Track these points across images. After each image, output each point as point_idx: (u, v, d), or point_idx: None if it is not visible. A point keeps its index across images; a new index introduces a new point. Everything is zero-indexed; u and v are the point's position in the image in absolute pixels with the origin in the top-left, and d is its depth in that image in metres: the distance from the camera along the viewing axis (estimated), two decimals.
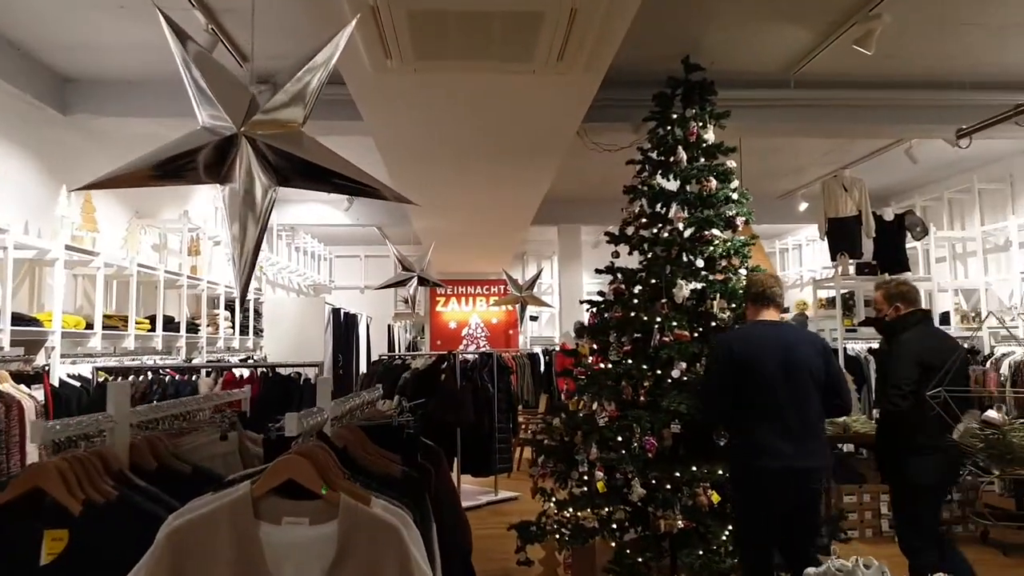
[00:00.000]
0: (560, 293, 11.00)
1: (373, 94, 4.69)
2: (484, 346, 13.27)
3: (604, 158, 6.88)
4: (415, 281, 8.98)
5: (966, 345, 7.75)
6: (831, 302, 8.17)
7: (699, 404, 4.00)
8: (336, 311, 9.56)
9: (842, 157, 7.93)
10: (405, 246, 10.16)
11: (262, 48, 4.72)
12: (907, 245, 7.85)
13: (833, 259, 7.49)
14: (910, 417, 3.66)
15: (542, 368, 11.69)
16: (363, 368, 10.26)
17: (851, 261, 7.43)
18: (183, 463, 1.93)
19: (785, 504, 3.46)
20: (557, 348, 10.93)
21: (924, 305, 8.39)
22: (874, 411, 6.70)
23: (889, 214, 7.83)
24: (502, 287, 13.35)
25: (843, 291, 7.63)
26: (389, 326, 13.77)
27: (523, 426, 9.15)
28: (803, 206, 9.50)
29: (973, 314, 8.21)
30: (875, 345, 7.22)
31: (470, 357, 7.60)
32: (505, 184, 6.99)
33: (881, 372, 3.98)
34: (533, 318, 13.43)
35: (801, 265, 11.87)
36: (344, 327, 9.84)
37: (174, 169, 2.23)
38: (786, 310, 8.38)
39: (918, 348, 3.75)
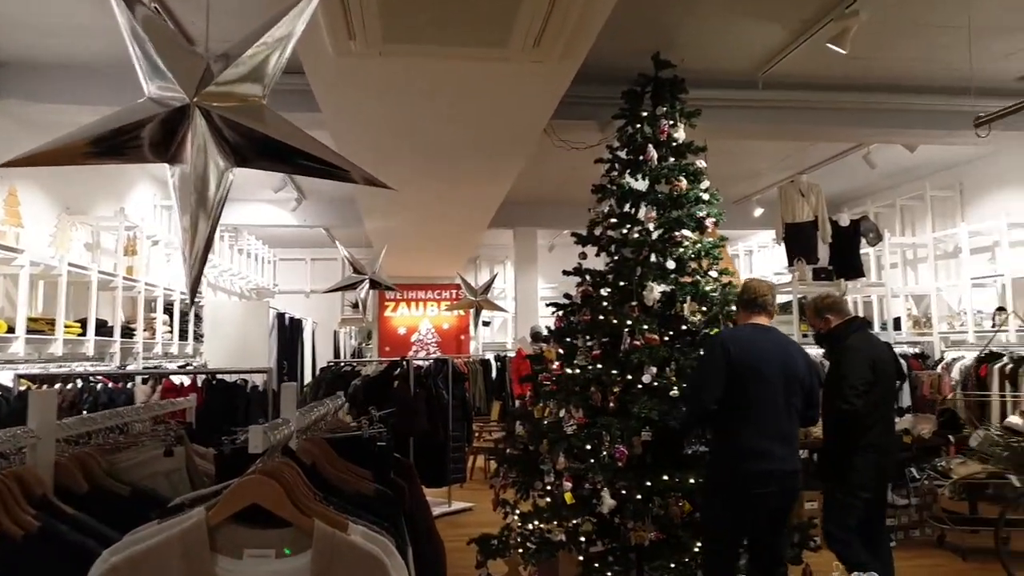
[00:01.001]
0: (516, 297, 10.82)
1: (333, 80, 4.43)
2: (435, 352, 13.01)
3: (564, 160, 6.73)
4: (366, 284, 8.71)
5: (917, 350, 7.93)
6: (787, 307, 8.18)
7: (688, 400, 3.95)
8: (281, 316, 9.37)
9: (800, 162, 7.97)
10: (356, 248, 9.87)
11: (215, 32, 4.41)
12: (861, 251, 7.92)
13: (790, 264, 7.49)
14: (864, 417, 3.82)
15: (494, 374, 11.55)
16: (308, 375, 9.99)
17: (808, 266, 7.43)
18: (120, 484, 1.68)
19: (769, 507, 3.44)
20: (511, 353, 10.77)
21: (865, 312, 8.54)
22: None
23: (844, 220, 7.89)
24: (455, 291, 13.14)
25: (800, 296, 7.63)
26: (335, 332, 13.43)
27: (477, 434, 8.93)
28: (758, 211, 9.55)
29: (924, 319, 8.33)
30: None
31: (424, 363, 7.36)
32: (467, 182, 6.79)
33: (831, 377, 4.05)
34: (486, 323, 13.25)
35: (752, 271, 11.95)
36: (289, 332, 9.64)
37: (115, 145, 1.94)
38: None
39: (868, 350, 3.99)
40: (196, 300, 8.66)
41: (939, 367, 7.40)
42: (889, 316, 8.42)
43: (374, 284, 8.57)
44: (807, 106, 5.84)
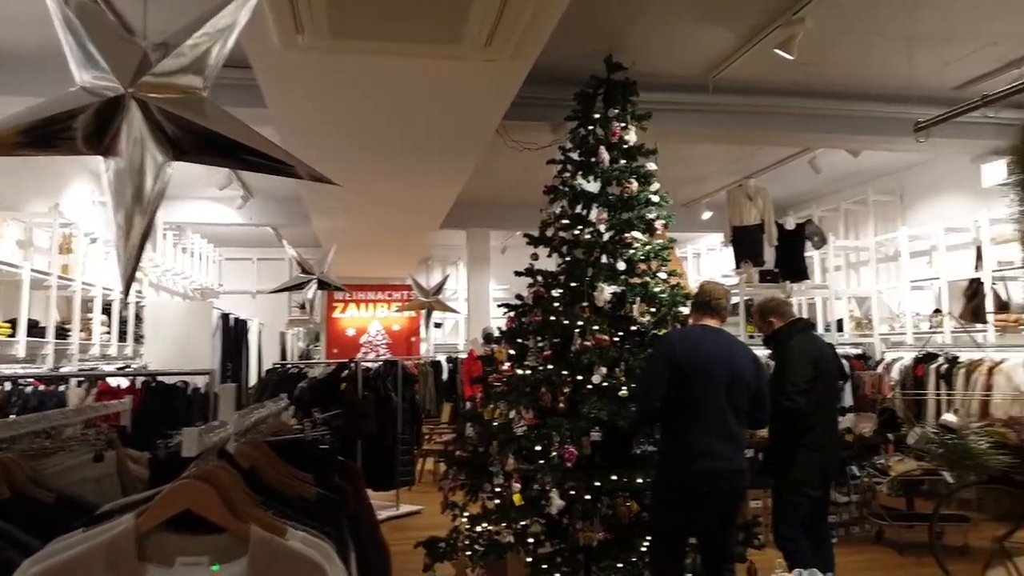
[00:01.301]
0: (468, 299, 10.77)
1: (279, 74, 4.33)
2: (384, 354, 12.88)
3: (516, 161, 6.72)
4: (314, 285, 8.56)
5: (859, 350, 8.15)
6: (734, 309, 8.32)
7: (636, 399, 3.98)
8: (225, 316, 9.21)
9: (748, 166, 8.12)
10: (304, 248, 9.71)
11: (156, 23, 4.27)
12: (806, 254, 8.10)
13: (737, 266, 7.62)
14: (806, 415, 3.90)
15: (445, 376, 11.48)
16: (253, 377, 9.79)
17: (755, 269, 7.57)
18: (45, 490, 1.62)
19: (716, 506, 3.49)
20: (463, 355, 10.71)
21: (810, 314, 8.74)
22: None
23: (790, 223, 8.07)
24: (406, 292, 13.02)
25: (746, 298, 7.78)
26: (282, 333, 13.22)
27: (426, 437, 8.86)
28: (706, 215, 9.69)
29: (865, 320, 8.56)
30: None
31: (373, 365, 7.27)
32: (419, 182, 6.72)
33: (775, 377, 4.13)
34: (437, 325, 13.17)
35: (700, 273, 12.12)
36: (234, 334, 9.45)
37: (46, 135, 1.85)
38: None
39: (811, 350, 4.07)
40: (138, 301, 8.41)
41: (879, 367, 7.61)
42: (833, 318, 8.64)
43: (322, 285, 8.42)
44: (755, 111, 5.95)
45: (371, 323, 13.67)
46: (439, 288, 11.04)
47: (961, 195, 7.64)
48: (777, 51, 4.61)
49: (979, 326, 6.72)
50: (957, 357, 6.70)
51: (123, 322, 8.04)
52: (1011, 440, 4.29)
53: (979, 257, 6.98)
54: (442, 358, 11.84)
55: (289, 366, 7.36)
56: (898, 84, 5.75)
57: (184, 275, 10.90)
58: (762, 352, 5.45)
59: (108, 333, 7.68)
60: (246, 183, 8.97)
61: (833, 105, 5.99)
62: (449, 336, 13.84)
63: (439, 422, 10.03)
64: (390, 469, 6.94)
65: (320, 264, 8.51)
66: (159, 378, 4.80)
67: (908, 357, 7.33)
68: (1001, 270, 6.65)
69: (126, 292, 1.98)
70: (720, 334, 3.64)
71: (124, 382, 4.95)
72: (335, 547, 1.46)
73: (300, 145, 5.67)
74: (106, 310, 7.66)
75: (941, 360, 6.76)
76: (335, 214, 8.33)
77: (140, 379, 4.88)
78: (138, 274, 6.66)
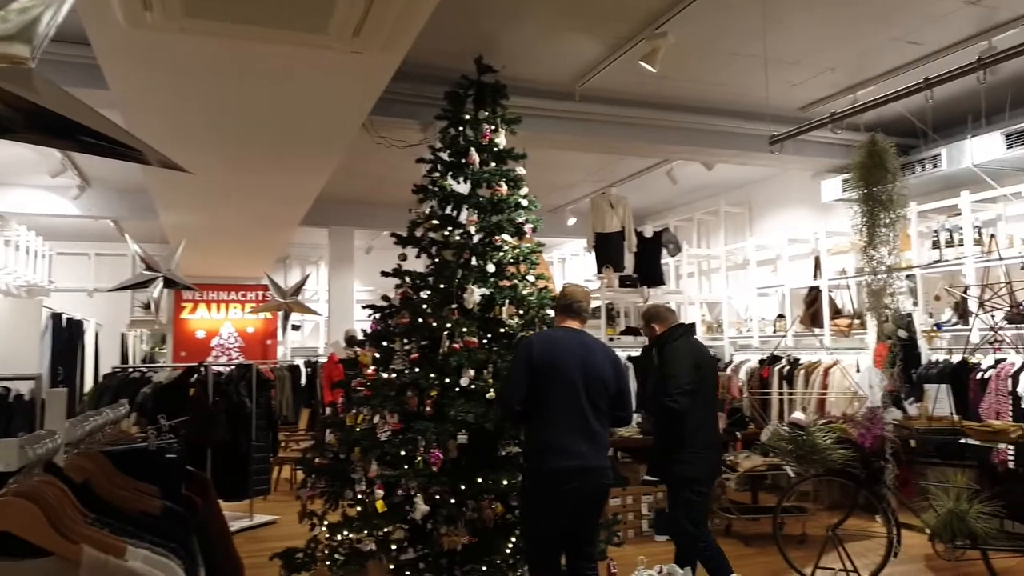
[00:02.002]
0: (329, 300, 10.45)
1: (124, 54, 3.97)
2: (237, 357, 12.26)
3: (383, 158, 6.58)
4: (160, 283, 8.00)
5: (712, 353, 8.59)
6: (595, 312, 8.55)
7: (499, 402, 3.99)
8: (57, 316, 8.61)
9: (610, 175, 8.38)
10: (149, 244, 9.04)
11: None
12: (662, 260, 8.46)
13: (599, 272, 7.83)
14: (692, 415, 4.01)
15: (304, 381, 11.08)
16: (90, 382, 9.10)
17: (615, 274, 7.81)
18: None
19: (577, 503, 3.52)
20: (323, 359, 10.38)
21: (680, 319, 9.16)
22: (635, 416, 7.08)
23: (648, 231, 8.40)
24: (261, 293, 12.46)
25: (607, 302, 8.01)
26: (123, 335, 12.37)
27: (283, 444, 8.50)
28: (571, 220, 9.93)
29: (716, 324, 9.04)
30: (634, 353, 7.66)
31: (224, 369, 6.90)
32: (278, 175, 6.40)
33: (657, 375, 4.24)
34: (295, 327, 12.69)
35: (565, 277, 12.40)
36: (67, 335, 8.85)
37: None
38: None
39: (693, 352, 4.23)
40: None
41: (728, 369, 8.06)
42: (687, 322, 9.05)
43: (169, 283, 7.90)
44: (618, 121, 6.15)
45: (223, 325, 12.99)
46: (298, 288, 10.66)
47: (803, 208, 8.25)
48: (641, 63, 4.76)
49: (817, 330, 7.26)
50: (798, 359, 7.20)
51: None
52: (851, 436, 4.64)
53: (817, 266, 7.55)
54: (300, 362, 11.44)
55: (131, 370, 6.88)
56: (751, 102, 6.11)
57: (7, 270, 9.87)
58: (621, 354, 5.65)
59: None
60: (83, 171, 8.25)
61: (691, 119, 6.29)
62: (308, 339, 13.38)
63: (297, 429, 9.69)
64: (243, 478, 6.67)
65: (167, 261, 7.99)
66: None
67: (754, 359, 7.80)
68: (836, 279, 7.22)
69: None
70: (579, 335, 3.70)
71: None
72: (183, 564, 1.38)
73: (146, 132, 5.25)
74: None
75: (784, 362, 7.25)
76: (185, 207, 7.81)
77: None
78: None
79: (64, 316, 8.74)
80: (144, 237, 9.60)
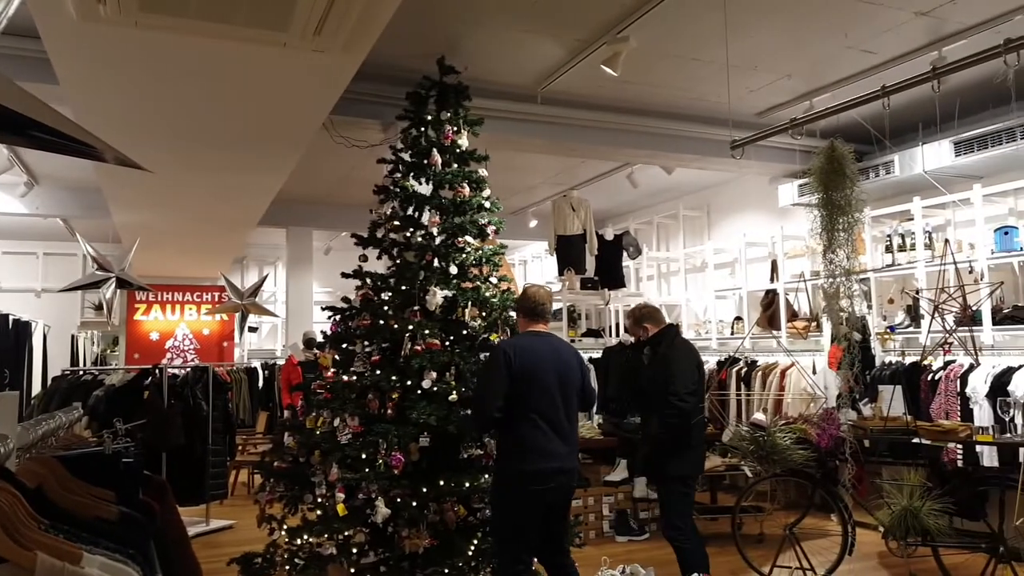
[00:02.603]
0: (287, 302, 10.30)
1: (76, 49, 3.85)
2: (193, 359, 12.03)
3: (343, 158, 6.52)
4: (113, 283, 7.83)
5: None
6: (557, 313, 8.58)
7: (473, 408, 3.95)
8: (3, 317, 8.49)
9: (572, 178, 8.42)
10: (101, 243, 8.82)
11: None
12: (623, 263, 8.52)
13: (561, 274, 7.87)
14: (692, 414, 4.11)
15: (261, 384, 10.93)
16: (37, 386, 8.87)
17: (577, 276, 7.86)
18: None
19: (554, 503, 3.63)
20: (281, 361, 10.23)
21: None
22: (596, 417, 7.12)
23: (609, 234, 8.47)
24: (218, 294, 12.24)
25: (569, 304, 8.05)
26: (73, 336, 12.06)
27: (240, 447, 8.36)
28: (533, 223, 9.96)
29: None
30: (595, 355, 7.71)
31: (180, 372, 6.78)
32: (235, 173, 6.28)
33: (658, 380, 4.22)
34: (252, 329, 12.50)
35: (527, 279, 12.43)
36: (13, 337, 8.65)
37: None
38: None
39: (693, 354, 4.32)
40: None
41: None
42: None
43: (122, 283, 7.74)
44: (580, 124, 6.19)
45: (178, 326, 12.72)
46: (255, 290, 10.54)
47: (760, 213, 8.39)
48: (603, 67, 4.80)
49: (774, 332, 7.39)
50: (756, 361, 7.32)
51: None
52: (810, 436, 4.73)
53: (774, 269, 7.68)
54: (258, 364, 11.27)
55: (81, 372, 6.70)
56: (710, 106, 6.20)
57: None
58: (584, 356, 5.67)
59: None
60: (30, 167, 8.00)
61: (652, 123, 6.36)
62: (266, 341, 13.18)
63: (254, 432, 9.55)
64: (200, 482, 6.59)
65: (120, 261, 7.84)
66: None
67: (713, 361, 7.90)
68: (793, 282, 7.36)
69: None
70: (549, 339, 3.76)
71: None
72: (140, 571, 1.37)
73: (97, 129, 5.08)
74: None
75: (741, 364, 7.36)
76: (139, 206, 7.62)
77: None
78: None
79: (11, 317, 8.59)
80: (96, 236, 9.36)
